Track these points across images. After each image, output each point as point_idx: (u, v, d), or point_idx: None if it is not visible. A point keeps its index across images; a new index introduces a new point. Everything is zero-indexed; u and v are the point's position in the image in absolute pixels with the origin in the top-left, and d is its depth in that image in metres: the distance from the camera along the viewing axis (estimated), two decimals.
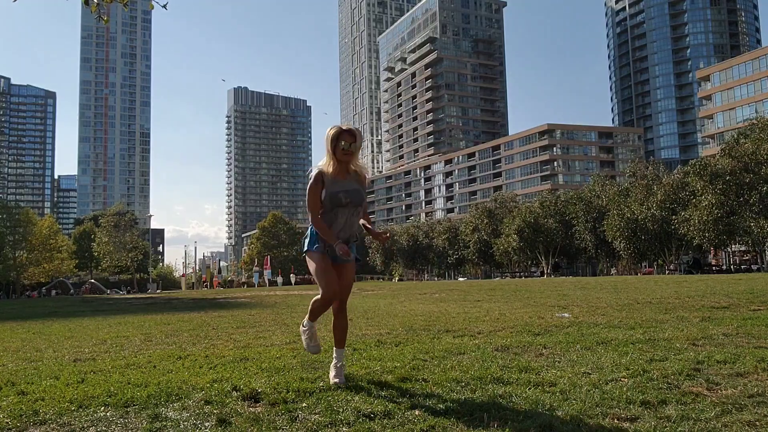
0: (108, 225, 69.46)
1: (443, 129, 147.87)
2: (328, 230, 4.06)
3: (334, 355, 4.18)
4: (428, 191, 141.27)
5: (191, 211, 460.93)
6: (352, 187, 4.10)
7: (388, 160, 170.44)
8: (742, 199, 41.95)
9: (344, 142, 4.03)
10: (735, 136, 45.14)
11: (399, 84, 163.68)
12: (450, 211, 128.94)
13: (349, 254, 4.03)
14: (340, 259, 4.10)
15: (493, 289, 17.70)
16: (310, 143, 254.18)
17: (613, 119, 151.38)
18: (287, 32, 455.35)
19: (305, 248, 4.19)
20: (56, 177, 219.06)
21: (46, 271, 67.83)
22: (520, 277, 65.25)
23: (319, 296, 4.18)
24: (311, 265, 4.14)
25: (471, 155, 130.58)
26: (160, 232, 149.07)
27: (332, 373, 4.15)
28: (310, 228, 4.21)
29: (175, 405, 3.58)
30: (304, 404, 3.50)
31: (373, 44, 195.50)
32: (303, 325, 4.39)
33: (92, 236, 73.98)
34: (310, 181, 4.15)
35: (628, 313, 8.44)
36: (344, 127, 4.08)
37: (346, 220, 4.14)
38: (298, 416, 3.28)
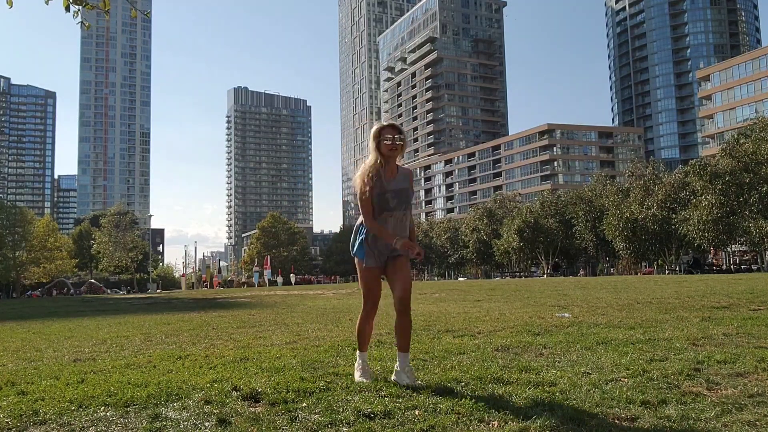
0: (108, 225, 69.47)
1: (443, 129, 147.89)
2: (385, 230, 3.92)
3: (398, 359, 4.03)
4: (428, 191, 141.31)
5: (191, 211, 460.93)
6: (400, 187, 3.98)
7: None
8: (741, 199, 41.93)
9: (388, 136, 3.93)
10: (735, 135, 45.07)
11: (399, 84, 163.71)
12: (450, 211, 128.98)
13: (413, 248, 3.90)
14: (394, 253, 3.99)
15: (493, 289, 17.69)
16: (310, 143, 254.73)
17: (613, 119, 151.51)
18: (287, 32, 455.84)
19: (355, 251, 4.08)
20: (56, 177, 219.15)
21: (46, 271, 67.85)
22: (520, 277, 65.25)
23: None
24: (359, 273, 4.11)
25: (471, 155, 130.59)
26: (160, 232, 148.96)
27: (398, 377, 4.01)
28: (359, 228, 4.07)
29: (175, 405, 3.58)
30: (304, 404, 3.50)
31: (373, 44, 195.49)
32: (356, 360, 4.28)
33: (92, 236, 73.93)
34: (360, 182, 3.98)
35: (628, 313, 8.44)
36: (385, 123, 4.03)
37: (396, 224, 4.00)
38: (298, 416, 3.28)
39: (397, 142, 3.92)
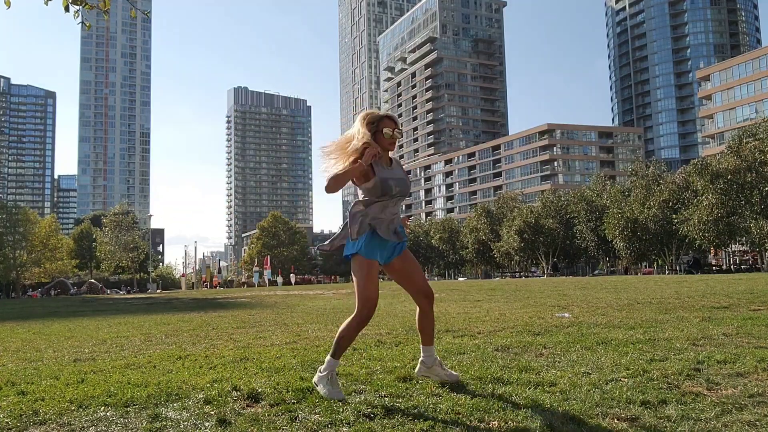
0: (110, 225, 69.51)
1: (443, 129, 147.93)
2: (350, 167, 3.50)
3: (425, 352, 3.92)
4: (428, 191, 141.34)
5: (191, 211, 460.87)
6: (400, 176, 3.73)
7: None
8: (743, 199, 41.88)
9: (387, 129, 3.68)
10: (740, 134, 44.89)
11: (399, 84, 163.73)
12: (450, 211, 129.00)
13: (372, 148, 3.50)
14: (398, 250, 3.74)
15: (493, 289, 17.68)
16: (310, 143, 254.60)
17: (613, 119, 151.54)
18: (287, 32, 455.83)
19: (350, 250, 3.65)
20: (56, 177, 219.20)
21: (47, 271, 67.86)
22: (520, 277, 65.23)
23: (351, 318, 3.69)
24: (356, 271, 3.66)
25: (471, 155, 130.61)
26: (160, 232, 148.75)
27: (426, 370, 3.89)
28: (345, 224, 3.72)
29: (175, 405, 3.58)
30: (304, 404, 3.50)
31: (373, 44, 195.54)
32: (320, 371, 3.72)
33: (93, 237, 73.95)
34: (351, 148, 3.56)
35: (628, 313, 8.43)
36: (383, 113, 3.75)
37: (393, 210, 3.73)
38: (298, 416, 3.28)
39: (395, 137, 3.70)
